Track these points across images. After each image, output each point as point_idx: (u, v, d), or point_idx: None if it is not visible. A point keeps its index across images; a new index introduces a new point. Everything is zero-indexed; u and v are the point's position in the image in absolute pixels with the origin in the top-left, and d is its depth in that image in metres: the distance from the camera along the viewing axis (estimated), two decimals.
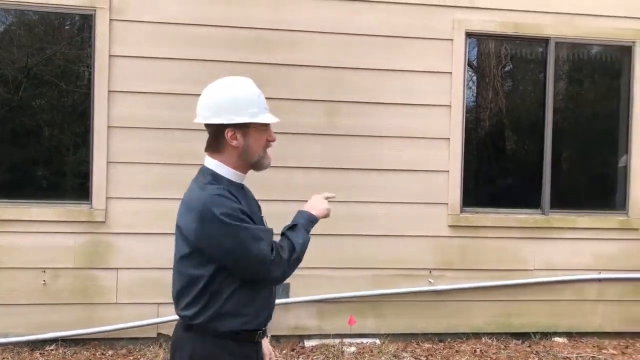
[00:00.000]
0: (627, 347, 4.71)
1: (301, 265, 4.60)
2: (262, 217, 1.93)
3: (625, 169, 4.93)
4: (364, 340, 4.60)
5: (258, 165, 1.88)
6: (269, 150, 1.88)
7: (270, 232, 1.80)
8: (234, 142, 1.79)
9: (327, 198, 2.00)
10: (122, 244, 4.36)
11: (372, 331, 4.68)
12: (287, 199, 4.46)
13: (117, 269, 4.37)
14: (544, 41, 4.83)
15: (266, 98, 1.90)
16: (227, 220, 1.69)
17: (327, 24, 4.57)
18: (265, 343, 2.00)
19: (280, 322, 4.55)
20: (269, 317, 1.89)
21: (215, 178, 1.81)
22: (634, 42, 4.84)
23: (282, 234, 1.85)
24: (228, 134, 1.78)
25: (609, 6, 4.82)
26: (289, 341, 4.55)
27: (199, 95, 1.87)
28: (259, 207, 1.99)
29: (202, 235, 1.72)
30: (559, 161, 4.93)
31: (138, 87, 4.38)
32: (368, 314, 4.68)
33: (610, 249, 4.89)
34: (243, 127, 1.80)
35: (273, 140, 1.87)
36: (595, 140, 5.08)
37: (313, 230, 4.45)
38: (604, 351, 4.58)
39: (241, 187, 1.89)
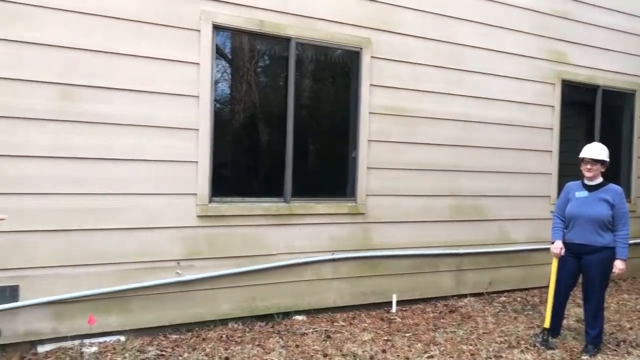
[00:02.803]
0: (354, 318, 5.34)
1: (31, 265, 4.24)
2: None
3: (355, 160, 5.55)
4: (107, 339, 4.39)
5: None
6: None
7: None
8: None
9: None
10: None
11: (117, 328, 4.48)
12: (13, 192, 4.03)
13: None
14: (286, 40, 5.15)
15: None
16: None
17: (67, 1, 4.19)
18: None
19: (7, 329, 4.08)
20: None
21: None
22: (361, 48, 5.46)
23: None
24: None
25: (342, 14, 5.35)
26: (18, 349, 4.10)
27: None
28: None
29: None
30: (300, 153, 5.31)
31: None
32: (112, 311, 4.47)
33: (342, 232, 5.46)
34: None
35: None
36: (332, 134, 5.59)
37: (45, 226, 4.13)
38: (335, 324, 5.12)
39: None
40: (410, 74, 5.74)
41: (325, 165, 5.59)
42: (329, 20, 5.30)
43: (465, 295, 6.21)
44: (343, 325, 5.07)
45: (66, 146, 4.24)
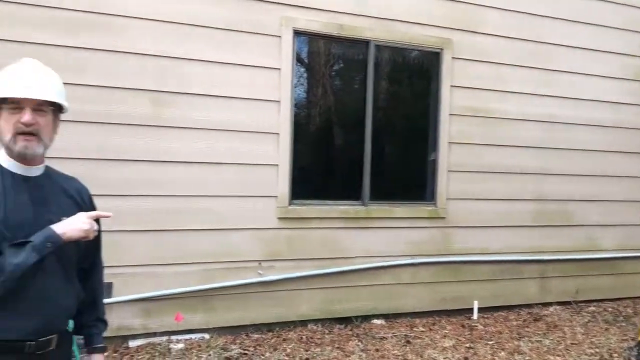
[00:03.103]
0: (434, 324, 5.24)
1: (124, 263, 4.43)
2: (51, 218, 1.71)
3: (434, 163, 5.46)
4: (193, 336, 4.55)
5: (10, 151, 1.70)
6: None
7: None
8: None
9: (99, 217, 1.82)
10: None
11: (201, 326, 4.63)
12: (114, 194, 4.25)
13: None
14: (365, 43, 5.14)
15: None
16: None
17: (156, 11, 4.38)
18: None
19: None
20: (44, 326, 1.72)
21: None
22: (441, 49, 5.37)
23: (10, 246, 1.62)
24: None
25: (421, 15, 5.28)
26: (112, 343, 4.32)
27: None
28: (77, 206, 1.83)
29: None
30: (378, 156, 5.29)
31: None
32: (197, 310, 4.62)
33: (421, 236, 5.39)
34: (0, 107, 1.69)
35: (25, 124, 1.67)
36: (410, 137, 5.54)
37: (136, 226, 4.30)
38: (415, 329, 5.05)
39: (24, 179, 1.73)
40: (494, 75, 5.57)
41: (403, 168, 5.53)
42: (408, 22, 5.24)
43: (550, 304, 5.94)
44: (423, 331, 5.00)
45: (157, 150, 4.44)
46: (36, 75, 1.72)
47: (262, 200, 4.81)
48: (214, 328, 4.65)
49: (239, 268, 4.74)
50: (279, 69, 4.81)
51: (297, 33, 4.89)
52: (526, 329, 5.17)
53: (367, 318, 5.20)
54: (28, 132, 1.67)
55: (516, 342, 4.77)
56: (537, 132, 5.79)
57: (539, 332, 5.07)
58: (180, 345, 4.35)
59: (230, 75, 4.64)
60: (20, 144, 1.67)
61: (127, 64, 4.32)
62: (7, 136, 1.67)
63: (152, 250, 4.44)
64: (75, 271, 1.87)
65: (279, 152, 4.84)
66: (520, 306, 5.84)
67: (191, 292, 4.57)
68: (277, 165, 4.84)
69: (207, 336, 4.57)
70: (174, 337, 4.47)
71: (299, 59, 5.11)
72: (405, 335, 4.84)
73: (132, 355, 4.16)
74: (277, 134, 4.83)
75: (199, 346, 4.36)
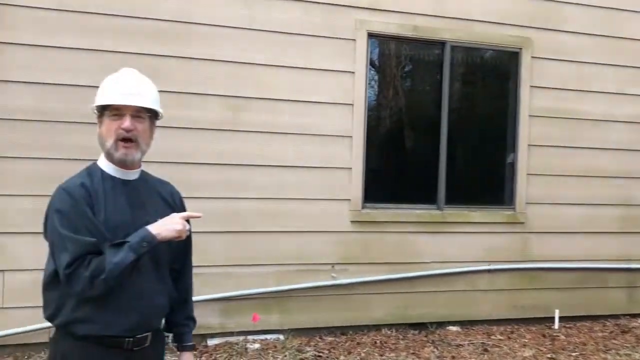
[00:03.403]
0: (512, 332, 5.07)
1: (203, 263, 4.55)
2: (148, 219, 1.77)
3: (513, 166, 5.28)
4: (268, 337, 4.61)
5: (110, 156, 1.79)
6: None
7: (84, 243, 1.65)
8: (97, 130, 1.81)
9: (190, 218, 1.86)
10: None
11: (277, 327, 4.69)
12: (190, 196, 4.38)
13: (3, 271, 4.07)
14: (441, 44, 5.05)
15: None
16: (55, 217, 1.67)
17: (232, 19, 4.50)
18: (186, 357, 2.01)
19: None
20: (140, 324, 1.79)
21: (88, 168, 1.81)
22: (520, 48, 5.19)
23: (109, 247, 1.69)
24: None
25: (500, 14, 5.14)
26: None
27: (94, 86, 1.86)
28: (170, 208, 1.91)
29: (45, 228, 1.74)
30: (454, 159, 5.18)
31: (24, 76, 4.08)
32: (272, 310, 4.69)
33: (498, 242, 5.22)
34: (101, 114, 1.79)
35: (126, 130, 1.75)
36: (487, 139, 5.39)
37: (215, 227, 4.41)
38: (492, 337, 4.90)
39: (123, 183, 1.81)
40: (576, 74, 5.33)
41: (480, 172, 5.39)
42: (486, 22, 5.11)
43: (639, 315, 5.61)
44: (501, 339, 4.84)
45: (233, 154, 4.54)
46: (135, 83, 1.81)
47: (335, 204, 4.82)
48: (288, 329, 4.70)
49: (313, 270, 4.76)
50: (353, 72, 4.81)
51: (371, 35, 4.87)
52: (613, 341, 4.90)
53: (441, 324, 5.09)
54: (127, 139, 1.76)
55: (602, 355, 4.53)
56: (624, 133, 5.49)
57: (627, 345, 4.80)
58: (257, 345, 4.42)
59: (305, 80, 4.68)
60: (120, 152, 1.77)
61: (201, 70, 4.45)
62: (109, 142, 1.76)
63: (230, 251, 4.55)
64: (167, 271, 1.94)
65: (352, 155, 4.84)
66: (605, 317, 5.54)
67: (267, 293, 4.64)
68: (350, 168, 4.84)
69: (282, 337, 4.63)
70: (250, 337, 4.55)
71: (371, 62, 5.09)
72: (482, 343, 4.71)
73: (211, 354, 4.27)
74: (350, 137, 4.83)
75: (275, 347, 4.42)
